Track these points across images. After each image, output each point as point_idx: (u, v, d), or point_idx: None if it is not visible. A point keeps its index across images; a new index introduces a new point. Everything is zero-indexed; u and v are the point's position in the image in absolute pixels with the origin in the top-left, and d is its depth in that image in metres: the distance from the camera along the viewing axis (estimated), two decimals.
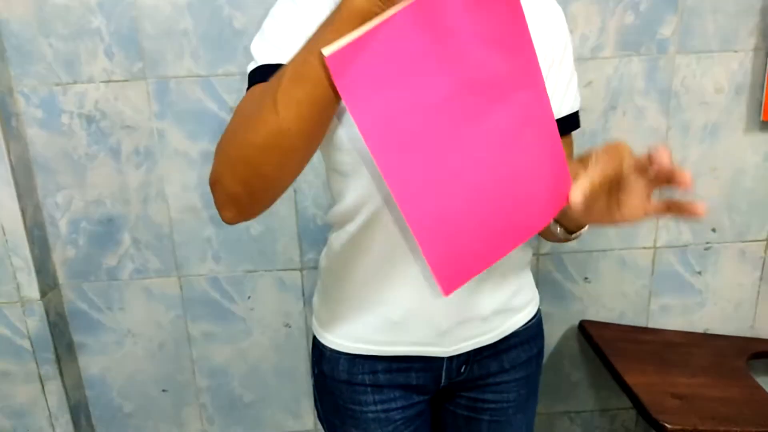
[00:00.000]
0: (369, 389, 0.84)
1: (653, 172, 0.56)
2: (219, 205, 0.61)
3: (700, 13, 1.29)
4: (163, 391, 1.49)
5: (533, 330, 0.91)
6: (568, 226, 0.71)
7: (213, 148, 1.33)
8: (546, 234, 0.74)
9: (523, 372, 0.91)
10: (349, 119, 0.68)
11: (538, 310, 0.93)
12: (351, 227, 0.78)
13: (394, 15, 0.42)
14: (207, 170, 1.31)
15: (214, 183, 0.60)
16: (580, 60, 1.30)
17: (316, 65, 0.48)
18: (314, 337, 0.90)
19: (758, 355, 1.43)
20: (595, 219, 0.63)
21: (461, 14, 0.44)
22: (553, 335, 1.52)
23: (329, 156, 0.76)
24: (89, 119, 1.27)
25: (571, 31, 1.27)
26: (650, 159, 0.56)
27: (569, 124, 0.77)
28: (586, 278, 1.48)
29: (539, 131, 0.50)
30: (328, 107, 0.51)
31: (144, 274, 1.39)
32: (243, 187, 0.58)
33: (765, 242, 1.46)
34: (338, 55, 0.42)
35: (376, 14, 0.44)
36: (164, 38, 1.23)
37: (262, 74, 0.65)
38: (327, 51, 0.42)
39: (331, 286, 0.86)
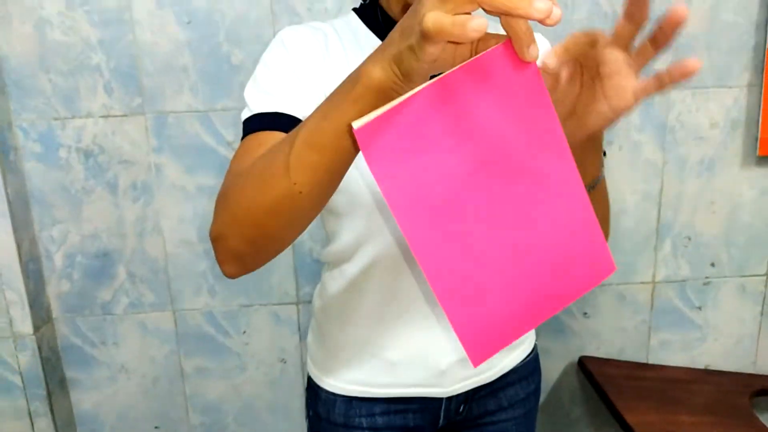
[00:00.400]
0: None
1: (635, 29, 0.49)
2: (221, 261, 0.60)
3: (694, 49, 1.30)
4: (156, 428, 1.46)
5: (531, 366, 0.90)
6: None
7: (210, 182, 1.33)
8: None
9: (522, 409, 0.89)
10: None
11: (535, 346, 0.92)
12: (346, 267, 0.77)
13: (420, 92, 0.44)
14: (204, 204, 1.32)
15: (217, 239, 0.59)
16: None
17: (331, 132, 0.48)
18: (309, 378, 0.89)
19: (761, 392, 1.41)
20: (583, 123, 0.54)
21: (481, 92, 0.45)
22: (552, 371, 1.50)
23: None
24: (87, 153, 1.28)
25: None
26: (631, 12, 0.48)
27: None
28: (585, 313, 1.46)
29: (568, 201, 0.51)
30: (341, 172, 0.51)
31: (139, 309, 1.38)
32: (248, 245, 0.57)
33: (765, 277, 1.45)
34: (367, 129, 0.44)
35: (392, 89, 0.46)
36: (163, 74, 1.25)
37: (258, 123, 0.65)
38: (357, 124, 0.44)
39: (326, 327, 0.85)
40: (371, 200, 0.71)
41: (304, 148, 0.50)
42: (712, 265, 1.44)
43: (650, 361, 1.50)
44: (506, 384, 0.87)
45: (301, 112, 0.66)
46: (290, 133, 0.53)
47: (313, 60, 0.69)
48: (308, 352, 0.91)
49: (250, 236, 0.56)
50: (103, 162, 1.29)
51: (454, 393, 0.82)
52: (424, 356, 0.79)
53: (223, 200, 0.59)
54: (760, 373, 1.50)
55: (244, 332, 1.41)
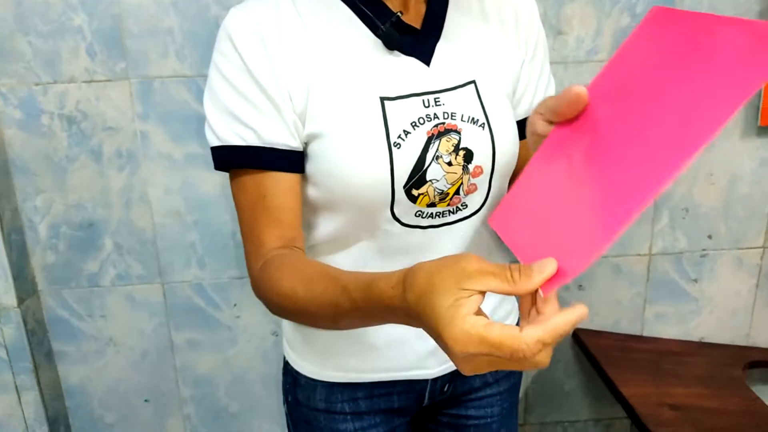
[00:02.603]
0: (349, 417, 0.80)
1: None
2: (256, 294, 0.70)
3: None
4: (146, 401, 1.44)
5: None
6: None
7: (198, 150, 1.29)
8: None
9: (506, 384, 0.88)
10: (317, 155, 0.66)
11: (519, 320, 0.89)
12: (321, 256, 0.74)
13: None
14: (192, 173, 1.28)
15: (259, 297, 0.69)
16: (575, 63, 1.27)
17: (374, 323, 0.59)
18: (286, 363, 0.86)
19: (755, 364, 1.41)
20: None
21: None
22: None
23: None
24: (70, 120, 1.23)
25: (566, 34, 1.25)
26: None
27: None
28: (580, 286, 1.45)
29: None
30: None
31: (126, 281, 1.35)
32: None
33: (761, 249, 1.44)
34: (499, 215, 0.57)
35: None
36: (148, 37, 1.20)
37: (244, 158, 0.65)
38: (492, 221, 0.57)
39: None
40: (352, 198, 0.67)
41: (349, 324, 0.61)
42: (710, 237, 1.42)
43: (645, 334, 1.49)
44: None
45: (280, 136, 0.65)
46: (331, 299, 0.57)
47: (285, 50, 0.65)
48: (284, 335, 0.87)
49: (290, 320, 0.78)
50: (86, 129, 1.24)
51: (440, 374, 0.80)
52: (407, 340, 0.76)
53: (264, 293, 0.67)
54: (754, 345, 1.50)
55: (235, 305, 1.38)
